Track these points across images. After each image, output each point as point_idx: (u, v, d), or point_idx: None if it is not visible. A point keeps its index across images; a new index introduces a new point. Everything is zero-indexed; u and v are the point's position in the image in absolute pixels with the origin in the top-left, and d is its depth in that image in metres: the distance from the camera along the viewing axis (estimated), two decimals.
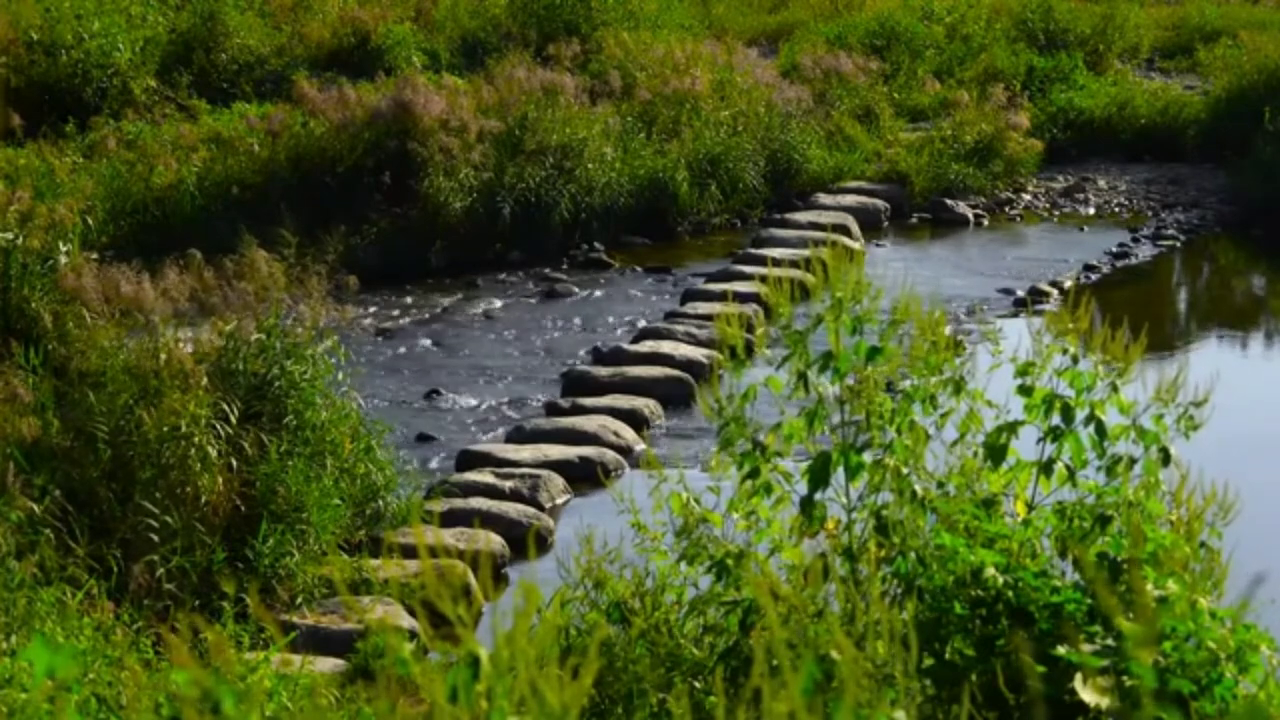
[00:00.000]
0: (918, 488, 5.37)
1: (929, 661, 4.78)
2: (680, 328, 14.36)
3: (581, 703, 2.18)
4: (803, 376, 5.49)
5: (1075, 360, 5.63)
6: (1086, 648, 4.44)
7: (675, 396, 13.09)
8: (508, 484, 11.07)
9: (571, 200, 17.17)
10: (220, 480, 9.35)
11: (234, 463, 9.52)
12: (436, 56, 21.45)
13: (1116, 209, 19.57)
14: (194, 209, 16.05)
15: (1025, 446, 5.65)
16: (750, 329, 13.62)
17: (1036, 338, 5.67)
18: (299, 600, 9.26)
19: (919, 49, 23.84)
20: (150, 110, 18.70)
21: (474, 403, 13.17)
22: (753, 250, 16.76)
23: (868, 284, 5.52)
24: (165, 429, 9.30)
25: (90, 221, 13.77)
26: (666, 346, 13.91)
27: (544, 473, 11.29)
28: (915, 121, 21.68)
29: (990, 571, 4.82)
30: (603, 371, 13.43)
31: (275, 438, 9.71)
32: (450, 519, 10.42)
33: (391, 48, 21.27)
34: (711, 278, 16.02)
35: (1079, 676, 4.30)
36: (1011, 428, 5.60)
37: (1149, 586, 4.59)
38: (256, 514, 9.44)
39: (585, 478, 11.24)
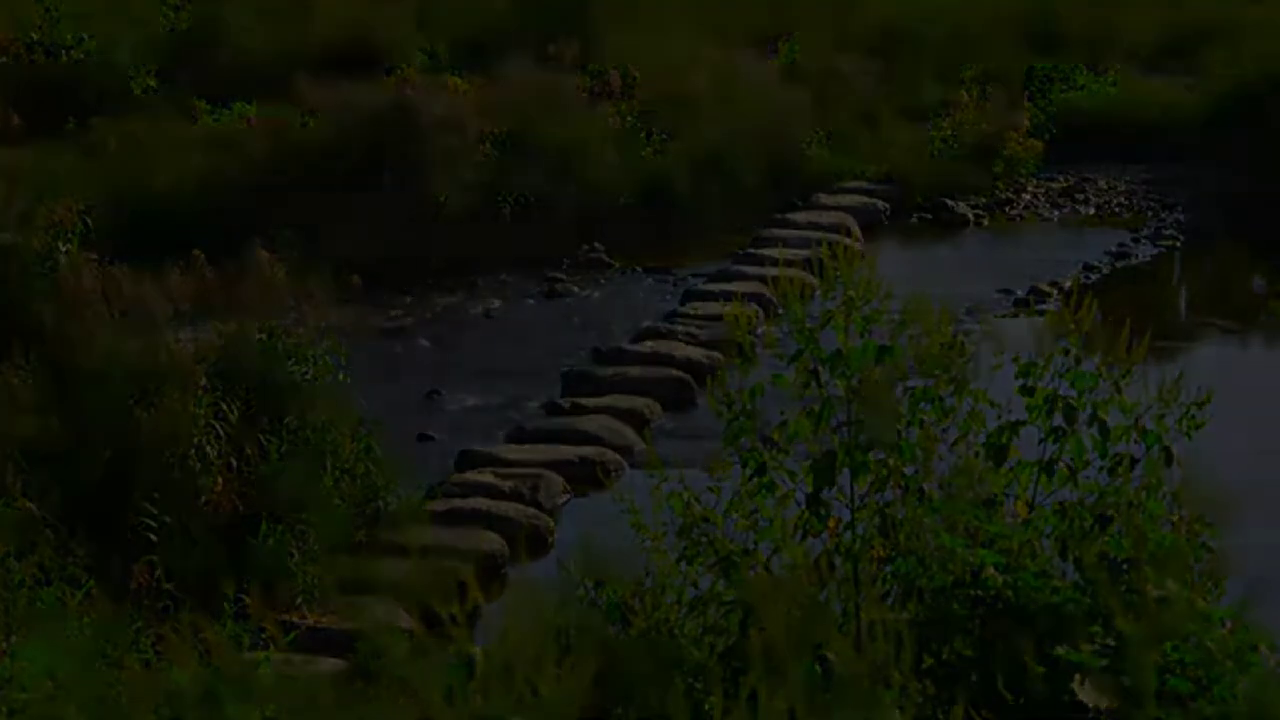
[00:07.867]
0: (926, 487, 5.38)
1: (929, 662, 4.77)
2: (681, 328, 14.34)
3: (577, 699, 2.18)
4: (814, 374, 5.49)
5: (1077, 361, 5.62)
6: (1086, 648, 4.43)
7: (676, 397, 13.08)
8: (508, 484, 11.06)
9: (571, 200, 17.16)
10: (220, 480, 9.35)
11: (234, 463, 9.51)
12: (436, 56, 21.43)
13: (1116, 209, 19.55)
14: (194, 209, 16.03)
15: (1027, 446, 5.65)
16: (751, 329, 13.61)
17: (1038, 338, 5.66)
18: (299, 600, 9.26)
19: (919, 49, 23.81)
20: (150, 110, 18.69)
21: (474, 403, 13.16)
22: (753, 250, 16.75)
23: (878, 283, 5.53)
24: (165, 429, 9.30)
25: (90, 221, 13.76)
26: (667, 347, 13.90)
27: (544, 473, 11.28)
28: (915, 121, 21.66)
29: (990, 571, 4.81)
30: (603, 371, 13.42)
31: (275, 438, 9.70)
32: (450, 519, 10.41)
33: (391, 48, 21.25)
34: (711, 278, 16.00)
35: (1079, 677, 4.30)
36: (1013, 428, 5.60)
37: (1149, 587, 4.58)
38: (256, 514, 9.43)
39: (585, 478, 11.22)
